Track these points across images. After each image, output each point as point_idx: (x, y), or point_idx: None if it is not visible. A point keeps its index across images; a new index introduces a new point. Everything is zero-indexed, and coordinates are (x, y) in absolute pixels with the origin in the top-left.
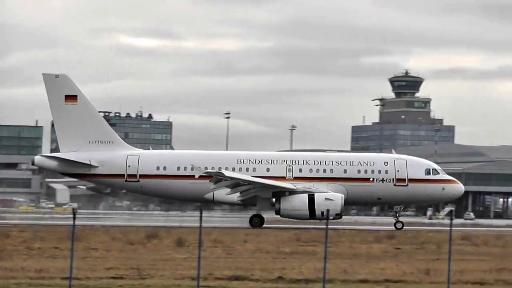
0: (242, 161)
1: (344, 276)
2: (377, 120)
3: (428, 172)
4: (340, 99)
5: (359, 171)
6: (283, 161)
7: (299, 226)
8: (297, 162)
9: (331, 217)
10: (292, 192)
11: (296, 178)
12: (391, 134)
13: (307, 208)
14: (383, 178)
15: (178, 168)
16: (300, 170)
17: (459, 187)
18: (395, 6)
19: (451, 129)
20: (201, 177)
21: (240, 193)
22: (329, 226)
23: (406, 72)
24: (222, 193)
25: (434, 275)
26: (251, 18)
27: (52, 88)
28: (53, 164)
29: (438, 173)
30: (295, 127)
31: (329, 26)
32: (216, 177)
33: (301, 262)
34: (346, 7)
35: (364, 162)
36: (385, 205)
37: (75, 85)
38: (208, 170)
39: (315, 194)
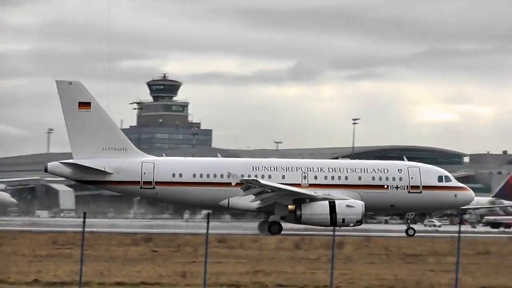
0: (257, 168)
1: (100, 279)
2: (134, 123)
3: (440, 179)
4: (99, 102)
5: (373, 178)
6: (298, 168)
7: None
8: (312, 169)
9: (351, 224)
10: (312, 199)
11: (311, 185)
12: (149, 138)
13: (328, 215)
14: (397, 185)
15: (194, 175)
16: (315, 177)
17: (470, 194)
18: (153, 10)
19: (208, 132)
20: (215, 184)
21: (261, 200)
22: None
23: (164, 76)
24: (237, 200)
25: (190, 278)
26: (7, 20)
27: (66, 95)
28: (67, 171)
29: (450, 180)
30: (52, 130)
31: (87, 29)
32: (247, 185)
33: (57, 265)
34: (105, 11)
35: (378, 169)
36: (398, 212)
37: (89, 92)
38: (245, 178)
39: (336, 201)
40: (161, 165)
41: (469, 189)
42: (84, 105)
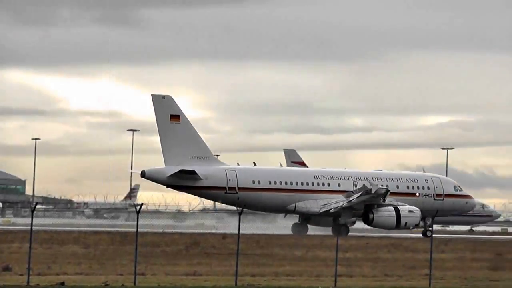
0: (318, 177)
1: None
2: None
3: (455, 188)
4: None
5: (407, 187)
6: (349, 177)
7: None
8: (360, 178)
9: (411, 227)
10: (379, 205)
11: (347, 192)
12: None
13: (395, 218)
14: (426, 194)
15: (270, 182)
16: (363, 185)
17: (474, 201)
18: None
19: None
20: (282, 190)
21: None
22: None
23: None
24: (304, 205)
25: None
26: None
27: (159, 108)
28: (163, 176)
29: (461, 189)
30: None
31: None
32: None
33: None
34: None
35: (410, 179)
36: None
37: (178, 105)
38: (382, 187)
39: (400, 207)
40: (243, 173)
41: (472, 197)
42: (175, 117)
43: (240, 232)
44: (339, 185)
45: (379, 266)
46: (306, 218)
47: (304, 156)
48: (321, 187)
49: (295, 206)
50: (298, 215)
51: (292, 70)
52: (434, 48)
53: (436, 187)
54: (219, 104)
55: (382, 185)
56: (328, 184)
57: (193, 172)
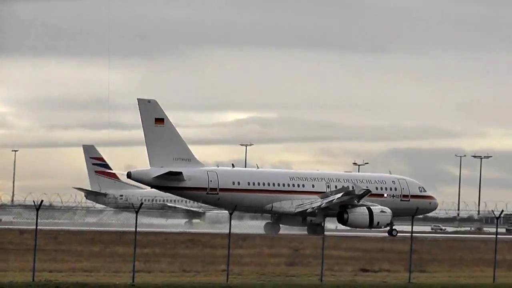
0: (293, 178)
1: None
2: None
3: (420, 189)
4: None
5: (376, 188)
6: (322, 179)
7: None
8: (332, 179)
9: (383, 226)
10: (353, 205)
11: (323, 193)
12: None
13: (368, 218)
14: (393, 194)
15: (248, 183)
16: (335, 187)
17: (437, 202)
18: None
19: None
20: (260, 191)
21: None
22: None
23: None
24: (280, 205)
25: None
26: None
27: (144, 111)
28: (148, 178)
29: (425, 190)
30: None
31: None
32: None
33: None
34: None
35: (378, 180)
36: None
37: (162, 109)
38: (364, 188)
39: (372, 208)
40: (223, 175)
41: (435, 198)
42: (159, 121)
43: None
44: (313, 186)
45: (177, 262)
46: (278, 217)
47: (103, 152)
48: (296, 188)
49: (272, 206)
50: (270, 215)
51: (91, 65)
52: (232, 45)
53: (403, 188)
54: (18, 99)
55: (358, 187)
56: (303, 185)
57: (179, 174)
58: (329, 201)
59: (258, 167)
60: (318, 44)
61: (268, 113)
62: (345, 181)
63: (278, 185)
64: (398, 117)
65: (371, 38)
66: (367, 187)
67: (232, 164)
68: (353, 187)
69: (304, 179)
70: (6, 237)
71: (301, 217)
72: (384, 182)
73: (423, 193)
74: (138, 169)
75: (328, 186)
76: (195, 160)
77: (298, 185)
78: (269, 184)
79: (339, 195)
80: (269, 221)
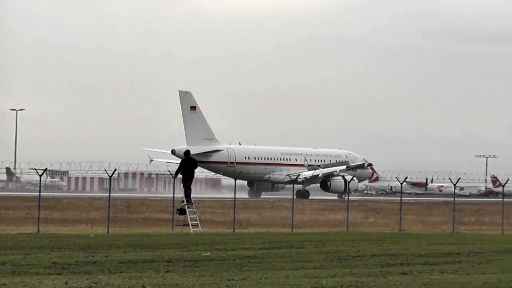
0: (285, 154)
1: None
2: None
3: (362, 161)
4: None
5: (336, 162)
6: (301, 154)
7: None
8: (308, 154)
9: (352, 191)
10: (332, 175)
11: (309, 165)
12: None
13: (343, 185)
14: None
15: (255, 158)
16: (310, 160)
17: (371, 171)
18: None
19: None
20: (264, 164)
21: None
22: None
23: None
24: (276, 175)
25: None
26: None
27: (183, 101)
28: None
29: (367, 161)
30: None
31: None
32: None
33: None
34: None
35: (335, 155)
36: None
37: (195, 99)
38: (364, 161)
39: (346, 177)
40: (238, 151)
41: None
42: (193, 108)
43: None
44: (296, 159)
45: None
46: (258, 185)
47: None
48: (286, 162)
49: (269, 176)
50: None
51: None
52: None
53: (353, 161)
54: None
55: (366, 161)
56: (296, 160)
57: (216, 151)
58: (332, 172)
59: (256, 145)
60: None
61: None
62: (316, 155)
63: (273, 159)
64: None
65: None
66: (364, 159)
67: (239, 143)
68: (348, 162)
69: (292, 154)
70: None
71: (291, 184)
72: (340, 157)
73: (366, 164)
74: (180, 147)
75: (305, 160)
76: (215, 139)
77: (290, 159)
78: (267, 159)
79: (342, 167)
80: (249, 188)
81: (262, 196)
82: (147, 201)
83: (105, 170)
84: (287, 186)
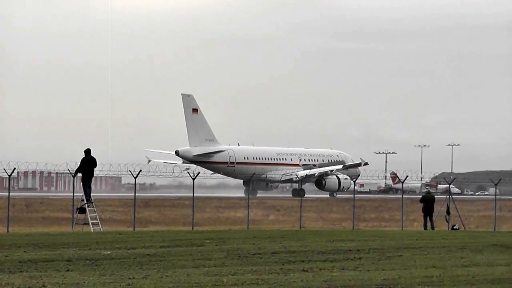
0: (280, 154)
1: None
2: None
3: (351, 160)
4: None
5: (329, 161)
6: (296, 154)
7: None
8: (302, 154)
9: (345, 190)
10: (327, 174)
11: (304, 165)
12: None
13: (337, 184)
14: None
15: (254, 158)
16: (304, 160)
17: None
18: None
19: None
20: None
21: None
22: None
23: None
24: (272, 175)
25: None
26: None
27: (186, 104)
28: (191, 155)
29: (354, 161)
30: None
31: None
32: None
33: None
34: None
35: (327, 154)
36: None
37: (196, 102)
38: (366, 162)
39: (339, 176)
40: (237, 152)
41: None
42: (195, 111)
43: None
44: (291, 159)
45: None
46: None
47: None
48: (282, 161)
49: (266, 176)
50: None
51: None
52: None
53: (344, 160)
54: None
55: (363, 160)
56: (291, 159)
57: (218, 152)
58: (331, 171)
59: (253, 145)
60: None
61: None
62: (310, 155)
63: (269, 159)
64: None
65: None
66: (363, 159)
67: (238, 143)
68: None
69: (287, 154)
70: None
71: (287, 183)
72: (332, 156)
73: (355, 163)
74: (183, 148)
75: (300, 159)
76: (216, 140)
77: (285, 159)
78: (264, 159)
79: (339, 166)
80: (245, 187)
81: (258, 195)
82: (47, 200)
83: (4, 169)
84: (281, 184)
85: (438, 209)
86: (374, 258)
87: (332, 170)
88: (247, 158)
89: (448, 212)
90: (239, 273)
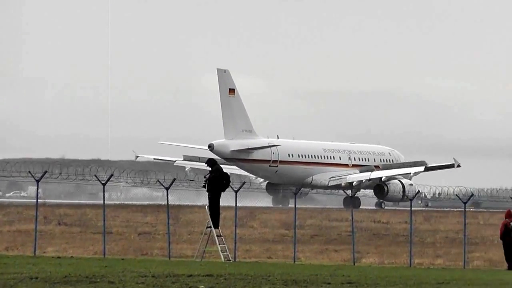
0: (327, 150)
1: None
2: None
3: (402, 159)
4: None
5: (381, 160)
6: (345, 151)
7: None
8: (351, 152)
9: (412, 198)
10: (389, 179)
11: (354, 165)
12: None
13: (401, 192)
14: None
15: (299, 156)
16: (354, 158)
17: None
18: None
19: None
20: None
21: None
22: None
23: None
24: (318, 178)
25: None
26: None
27: (222, 81)
28: (227, 150)
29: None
30: None
31: None
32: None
33: None
34: None
35: (378, 152)
36: None
37: (233, 80)
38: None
39: (403, 181)
40: (281, 147)
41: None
42: (231, 91)
43: None
44: (339, 158)
45: None
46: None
47: None
48: (329, 160)
49: (312, 180)
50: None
51: None
52: None
53: (397, 159)
54: None
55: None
56: (340, 158)
57: (265, 147)
58: (394, 175)
59: (293, 139)
60: None
61: None
62: (360, 153)
63: (316, 157)
64: None
65: None
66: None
67: (277, 136)
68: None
69: (336, 151)
70: None
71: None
72: (384, 154)
73: (407, 161)
74: (218, 141)
75: (349, 158)
76: (254, 131)
77: (334, 158)
78: (310, 156)
79: (419, 168)
80: (272, 195)
81: (290, 204)
82: None
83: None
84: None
85: None
86: None
87: (410, 173)
88: (291, 156)
89: None
90: None
